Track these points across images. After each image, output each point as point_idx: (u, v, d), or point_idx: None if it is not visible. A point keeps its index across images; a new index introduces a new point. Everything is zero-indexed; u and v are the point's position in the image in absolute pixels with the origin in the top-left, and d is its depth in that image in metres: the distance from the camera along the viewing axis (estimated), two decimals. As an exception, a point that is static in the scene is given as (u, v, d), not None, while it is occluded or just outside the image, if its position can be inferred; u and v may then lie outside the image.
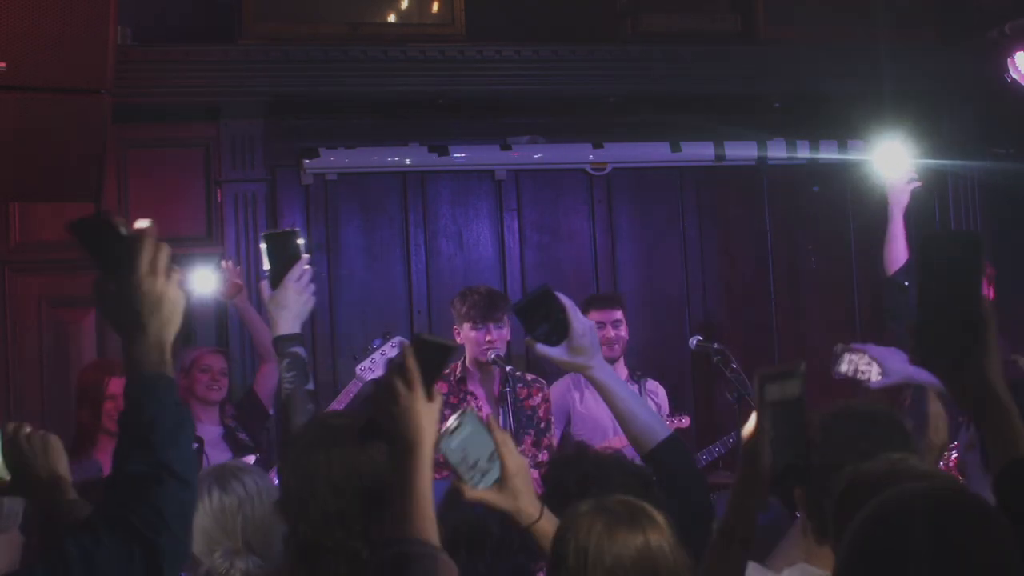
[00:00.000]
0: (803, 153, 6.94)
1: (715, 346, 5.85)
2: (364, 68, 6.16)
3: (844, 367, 3.57)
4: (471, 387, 5.31)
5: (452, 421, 2.30)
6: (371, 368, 5.31)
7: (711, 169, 6.94)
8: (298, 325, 3.08)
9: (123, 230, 1.92)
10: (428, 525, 2.01)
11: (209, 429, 5.30)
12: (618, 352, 5.68)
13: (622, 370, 5.73)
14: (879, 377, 3.62)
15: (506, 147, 6.63)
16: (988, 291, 4.99)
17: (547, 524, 2.34)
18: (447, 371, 5.37)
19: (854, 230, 7.10)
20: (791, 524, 2.55)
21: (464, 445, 2.31)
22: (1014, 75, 6.01)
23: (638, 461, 3.02)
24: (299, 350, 3.07)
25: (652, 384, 5.87)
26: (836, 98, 6.75)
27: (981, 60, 6.30)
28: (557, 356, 2.67)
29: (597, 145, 6.75)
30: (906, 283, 5.12)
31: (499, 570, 2.61)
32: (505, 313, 5.27)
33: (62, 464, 2.56)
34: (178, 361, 5.16)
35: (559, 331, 2.64)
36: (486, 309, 5.19)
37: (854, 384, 3.51)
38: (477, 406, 5.29)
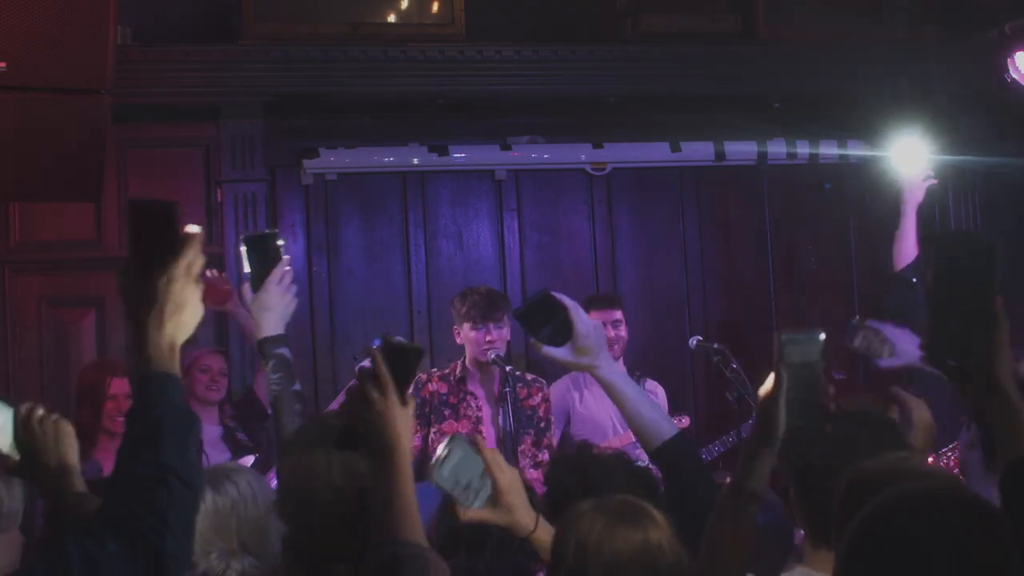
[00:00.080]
0: (803, 153, 6.94)
1: (715, 346, 5.85)
2: (364, 68, 6.16)
3: (858, 341, 3.59)
4: (471, 387, 5.31)
5: (441, 450, 2.33)
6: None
7: (711, 169, 6.94)
8: (282, 326, 3.08)
9: (179, 225, 1.92)
10: (414, 526, 2.03)
11: (208, 429, 5.29)
12: (618, 352, 5.68)
13: (622, 370, 5.72)
14: (890, 357, 3.63)
15: (506, 147, 6.63)
16: None
17: (543, 534, 2.36)
18: (447, 371, 5.37)
19: (854, 230, 7.10)
20: (792, 524, 2.56)
21: (455, 471, 2.34)
22: (1014, 75, 6.01)
23: (639, 461, 3.03)
24: (284, 351, 3.07)
25: (652, 384, 5.87)
26: (836, 98, 6.74)
27: (981, 60, 6.30)
28: (563, 357, 2.67)
29: (597, 145, 6.75)
30: (914, 279, 5.12)
31: (499, 570, 2.62)
32: (505, 313, 5.27)
33: (72, 453, 2.53)
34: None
35: (563, 332, 2.65)
36: (486, 309, 5.20)
37: (864, 359, 3.51)
38: (477, 406, 5.29)
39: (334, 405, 5.22)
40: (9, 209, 6.04)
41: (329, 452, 2.29)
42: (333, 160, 6.43)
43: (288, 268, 3.07)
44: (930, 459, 3.10)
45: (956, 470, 4.19)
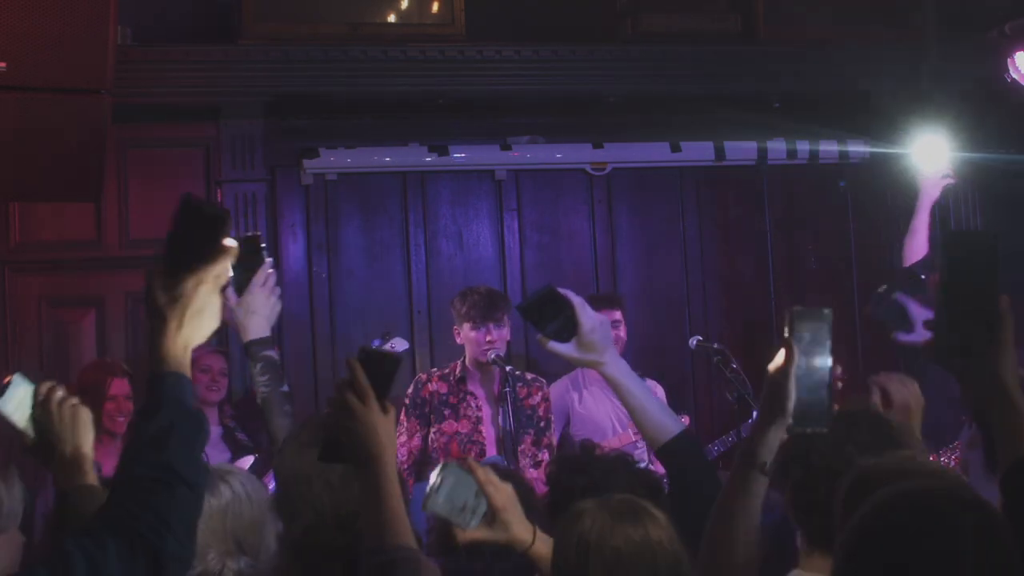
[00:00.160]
0: (803, 153, 6.94)
1: (715, 346, 5.85)
2: (364, 68, 6.16)
3: (879, 311, 3.60)
4: (471, 387, 5.31)
5: (434, 479, 2.34)
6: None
7: (711, 169, 6.94)
8: (268, 328, 3.09)
9: (225, 237, 1.93)
10: (404, 530, 2.04)
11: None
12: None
13: (622, 370, 5.72)
14: (908, 332, 3.65)
15: (506, 147, 6.63)
16: None
17: (542, 546, 2.37)
18: (447, 371, 5.37)
19: (854, 230, 7.11)
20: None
21: (450, 496, 2.35)
22: (1014, 75, 6.01)
23: (639, 462, 3.03)
24: (272, 353, 3.08)
25: (651, 383, 5.87)
26: (836, 98, 6.75)
27: (982, 59, 6.30)
28: (568, 353, 2.68)
29: (597, 145, 6.75)
30: (923, 276, 5.12)
31: (497, 570, 2.62)
32: (505, 313, 5.27)
33: (88, 441, 2.49)
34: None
35: (568, 328, 2.65)
36: (486, 309, 5.20)
37: (882, 330, 3.50)
38: (477, 406, 5.30)
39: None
40: (9, 209, 6.04)
41: None
42: (333, 160, 6.43)
43: (271, 271, 3.08)
44: (930, 457, 3.09)
45: (957, 470, 4.19)
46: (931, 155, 5.58)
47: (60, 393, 2.48)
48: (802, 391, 2.01)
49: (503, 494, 2.38)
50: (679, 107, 6.75)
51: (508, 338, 5.36)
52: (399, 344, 5.85)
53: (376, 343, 5.77)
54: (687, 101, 6.69)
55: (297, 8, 6.17)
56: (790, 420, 2.03)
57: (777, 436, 2.04)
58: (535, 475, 5.03)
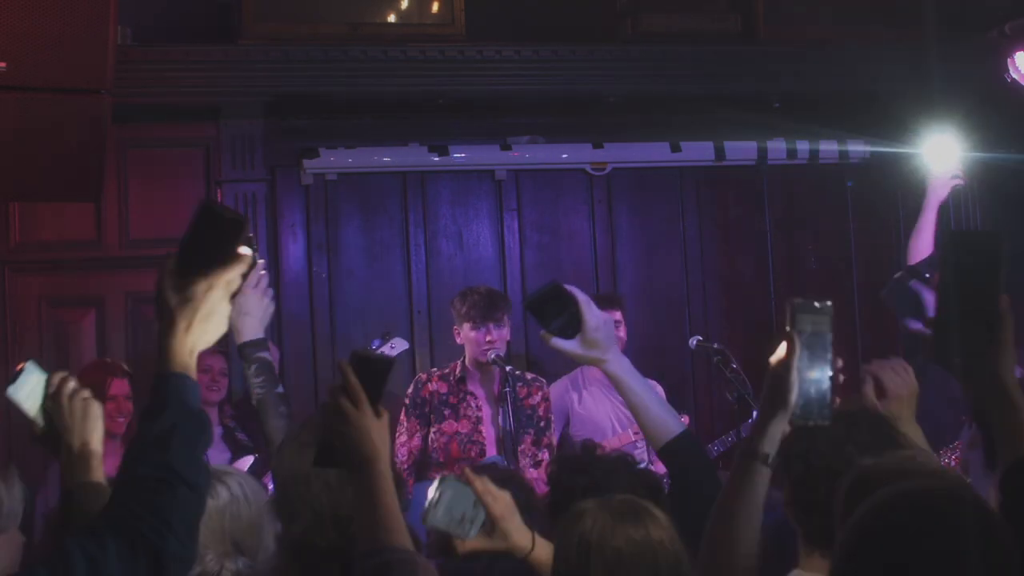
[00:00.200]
0: (803, 153, 6.95)
1: (715, 346, 5.85)
2: (364, 68, 6.16)
3: (893, 297, 3.61)
4: (471, 387, 5.31)
5: (432, 494, 2.34)
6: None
7: (711, 169, 6.94)
8: (262, 330, 3.08)
9: (241, 243, 1.93)
10: (400, 532, 2.04)
11: (209, 429, 5.29)
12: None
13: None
14: (918, 319, 3.65)
15: (506, 147, 6.63)
16: None
17: (541, 552, 2.38)
18: (447, 371, 5.37)
19: (854, 230, 7.11)
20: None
21: (448, 509, 2.36)
22: (1014, 75, 6.01)
23: (640, 462, 3.03)
24: (266, 354, 3.08)
25: (651, 383, 5.86)
26: (836, 98, 6.75)
27: (981, 60, 6.30)
28: (572, 349, 2.68)
29: (597, 145, 6.75)
30: (927, 275, 5.12)
31: (498, 570, 2.62)
32: (505, 313, 5.27)
33: (97, 436, 2.44)
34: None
35: (573, 325, 2.66)
36: (486, 309, 5.20)
37: (884, 327, 3.49)
38: (477, 406, 5.29)
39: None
40: (9, 209, 6.04)
41: None
42: (333, 160, 6.43)
43: (263, 272, 3.07)
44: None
45: (957, 470, 4.19)
46: (941, 155, 5.58)
47: (72, 385, 2.44)
48: (804, 384, 2.01)
49: (501, 503, 2.40)
50: (679, 107, 6.75)
51: (508, 338, 5.37)
52: (399, 344, 5.85)
53: (376, 343, 5.78)
54: (687, 101, 6.69)
55: (297, 8, 6.17)
56: (792, 413, 2.03)
57: (779, 429, 2.04)
58: (535, 475, 5.03)
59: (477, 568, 2.63)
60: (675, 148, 6.77)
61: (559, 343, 2.67)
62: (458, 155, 6.57)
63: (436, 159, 6.54)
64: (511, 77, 6.37)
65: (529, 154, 6.65)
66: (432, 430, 5.26)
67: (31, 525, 3.60)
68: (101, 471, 2.43)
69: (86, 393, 2.44)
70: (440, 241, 6.62)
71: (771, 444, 2.04)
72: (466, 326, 5.23)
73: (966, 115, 5.97)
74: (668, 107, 6.76)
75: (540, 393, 5.34)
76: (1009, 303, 1.84)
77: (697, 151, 6.83)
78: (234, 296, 1.96)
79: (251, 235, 3.21)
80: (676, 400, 6.17)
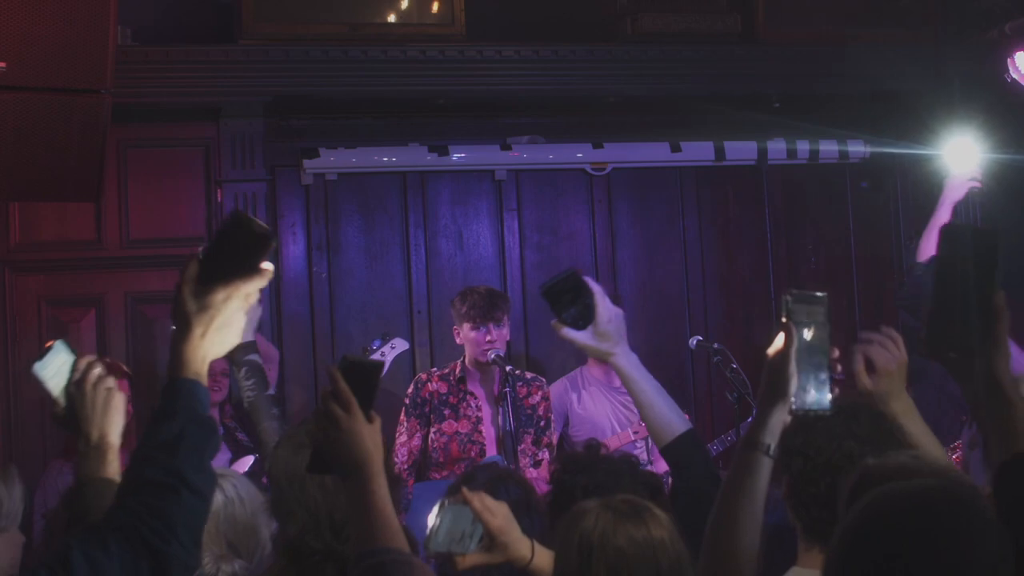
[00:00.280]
0: (803, 153, 6.95)
1: (715, 346, 5.85)
2: (364, 68, 6.16)
3: (908, 299, 3.64)
4: (471, 387, 5.31)
5: (432, 522, 2.35)
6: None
7: (711, 169, 6.94)
8: (251, 333, 3.09)
9: (265, 258, 1.93)
10: (395, 534, 2.04)
11: (209, 429, 5.29)
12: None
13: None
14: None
15: (506, 147, 6.63)
16: None
17: (541, 560, 2.39)
18: (447, 371, 5.37)
19: (854, 230, 7.11)
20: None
21: (448, 531, 2.37)
22: (1014, 75, 6.01)
23: (640, 462, 3.02)
24: (255, 357, 3.08)
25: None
26: (836, 98, 6.75)
27: (981, 60, 6.30)
28: (582, 340, 2.69)
29: (597, 145, 6.75)
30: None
31: (497, 570, 2.62)
32: (505, 313, 5.27)
33: (116, 429, 2.38)
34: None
35: (586, 316, 2.67)
36: (486, 309, 5.20)
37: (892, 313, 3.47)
38: (477, 406, 5.30)
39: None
40: (9, 209, 6.04)
41: None
42: (333, 160, 6.43)
43: None
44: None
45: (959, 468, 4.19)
46: (961, 156, 5.58)
47: (98, 371, 2.38)
48: (802, 374, 2.02)
49: (499, 518, 2.42)
50: (679, 107, 6.74)
51: (508, 338, 5.37)
52: (400, 344, 5.85)
53: (376, 343, 5.78)
54: (687, 101, 6.69)
55: (297, 8, 6.16)
56: (792, 403, 2.03)
57: (780, 419, 2.05)
58: (535, 475, 5.03)
59: (477, 568, 2.63)
60: (675, 148, 6.77)
61: (570, 333, 2.68)
62: (458, 155, 6.57)
63: (436, 159, 6.53)
64: (511, 77, 6.37)
65: (529, 154, 6.64)
66: (432, 430, 5.26)
67: (30, 525, 3.59)
68: (116, 466, 2.37)
69: (111, 382, 2.38)
70: (440, 241, 6.62)
71: (772, 435, 2.04)
72: (466, 326, 5.23)
73: (969, 115, 5.97)
74: (668, 107, 6.76)
75: (540, 393, 5.34)
76: (1004, 299, 1.83)
77: (697, 151, 6.83)
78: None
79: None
80: (676, 400, 6.16)
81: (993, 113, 6.28)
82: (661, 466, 5.40)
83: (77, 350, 2.44)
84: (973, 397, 1.83)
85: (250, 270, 1.93)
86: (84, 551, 1.75)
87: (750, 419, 5.53)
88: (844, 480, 2.07)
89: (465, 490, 2.47)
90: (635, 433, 5.54)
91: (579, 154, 6.74)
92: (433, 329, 6.47)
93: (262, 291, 3.04)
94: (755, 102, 6.75)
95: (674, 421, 2.68)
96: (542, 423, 5.30)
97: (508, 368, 5.17)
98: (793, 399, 2.03)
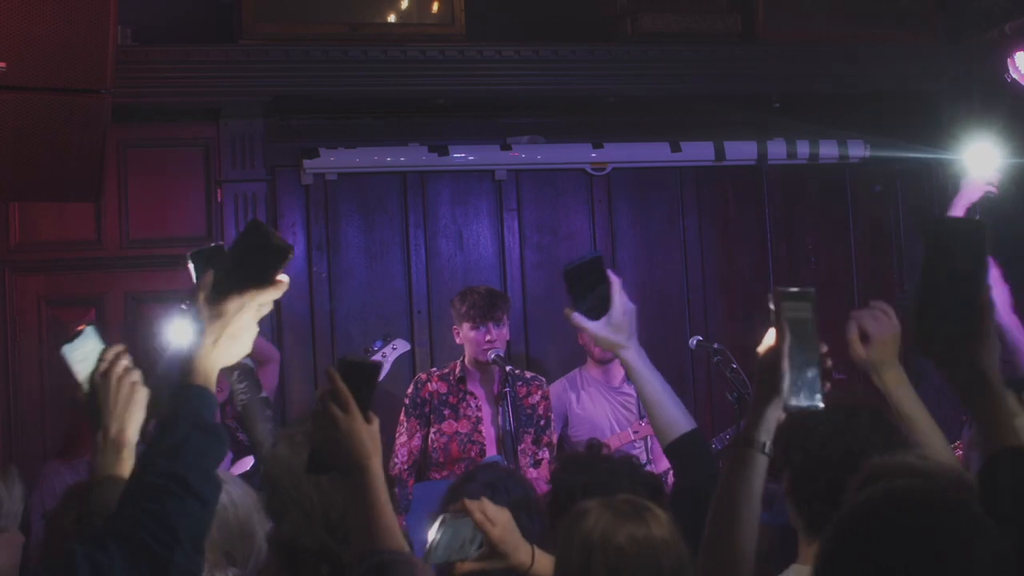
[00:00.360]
0: (803, 153, 6.95)
1: (715, 346, 5.85)
2: (364, 68, 6.16)
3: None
4: (471, 387, 5.31)
5: (432, 536, 2.36)
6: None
7: (711, 169, 6.94)
8: None
9: (282, 271, 1.94)
10: (395, 534, 2.04)
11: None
12: (612, 354, 5.67)
13: (619, 370, 5.73)
14: None
15: (506, 147, 6.63)
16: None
17: (541, 565, 2.39)
18: (446, 370, 5.37)
19: (854, 230, 7.11)
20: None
21: (448, 544, 2.38)
22: (1014, 75, 6.01)
23: (639, 461, 3.02)
24: (247, 361, 3.07)
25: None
26: (836, 98, 6.75)
27: (981, 60, 6.31)
28: (594, 329, 2.70)
29: (597, 145, 6.75)
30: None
31: (496, 570, 2.62)
32: (505, 313, 5.27)
33: (134, 426, 2.29)
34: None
35: (601, 306, 2.68)
36: (486, 309, 5.20)
37: None
38: (476, 405, 5.29)
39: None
40: (9, 209, 6.04)
41: None
42: (333, 160, 6.43)
43: None
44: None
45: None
46: (981, 160, 5.58)
47: (124, 364, 2.30)
48: (793, 370, 2.02)
49: (499, 526, 2.42)
50: (679, 107, 6.75)
51: (508, 337, 5.37)
52: (401, 345, 5.85)
53: (378, 344, 5.78)
54: (687, 101, 6.69)
55: (297, 8, 6.16)
56: (785, 399, 2.03)
57: (774, 416, 2.05)
58: (535, 475, 5.03)
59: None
60: (675, 148, 6.77)
61: (581, 320, 2.69)
62: (458, 155, 6.57)
63: (436, 159, 6.54)
64: (511, 77, 6.37)
65: (529, 154, 6.65)
66: (432, 430, 5.26)
67: (28, 525, 3.58)
68: (131, 464, 2.28)
69: (136, 376, 2.30)
70: (440, 241, 6.62)
71: (767, 432, 2.04)
72: (466, 326, 5.23)
73: (978, 117, 5.98)
74: (668, 107, 6.76)
75: (540, 392, 5.34)
76: (990, 293, 1.83)
77: (697, 151, 6.83)
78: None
79: (221, 244, 3.22)
80: (677, 400, 6.17)
81: (1010, 117, 6.29)
82: (660, 466, 5.40)
83: (107, 340, 2.40)
84: (958, 390, 1.83)
85: (265, 281, 1.93)
86: (87, 555, 1.75)
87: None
88: (844, 476, 2.08)
89: (465, 501, 2.47)
90: (635, 433, 5.53)
91: (579, 154, 6.74)
92: (433, 329, 6.47)
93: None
94: (755, 102, 6.75)
95: (679, 419, 2.69)
96: (542, 423, 5.30)
97: (508, 368, 5.17)
98: (786, 396, 2.03)
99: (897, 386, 2.60)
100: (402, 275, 6.55)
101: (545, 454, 5.24)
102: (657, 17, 6.42)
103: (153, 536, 1.76)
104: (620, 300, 2.69)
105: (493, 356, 5.15)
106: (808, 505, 2.33)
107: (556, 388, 5.71)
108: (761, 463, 2.04)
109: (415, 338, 6.39)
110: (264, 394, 3.07)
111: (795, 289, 2.05)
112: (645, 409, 2.75)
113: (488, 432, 5.27)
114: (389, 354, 5.77)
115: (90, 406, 2.33)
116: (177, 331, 3.00)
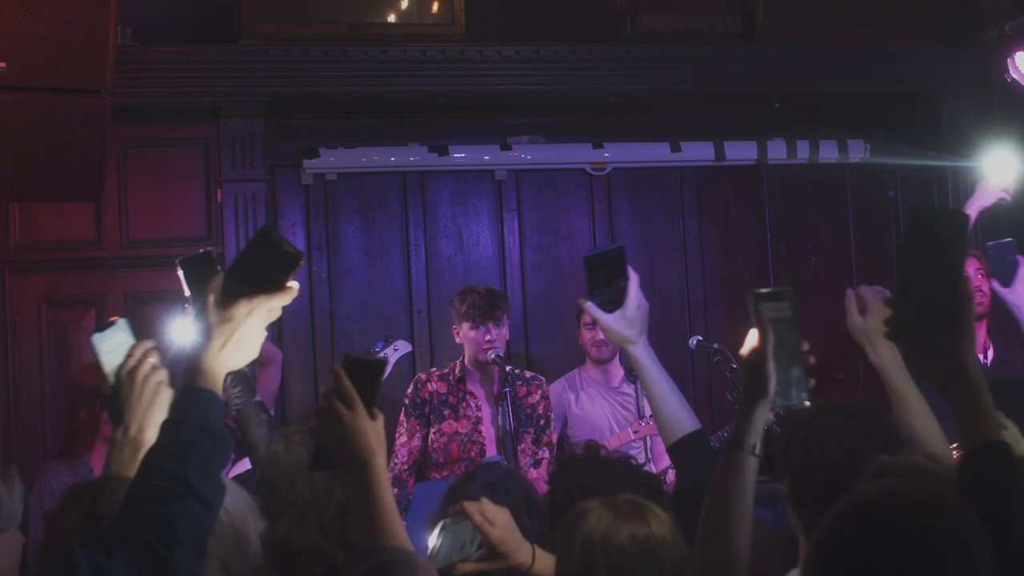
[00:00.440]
0: (803, 153, 6.95)
1: (715, 346, 5.85)
2: (364, 68, 6.16)
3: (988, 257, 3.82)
4: (471, 387, 5.31)
5: (434, 542, 2.37)
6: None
7: (711, 169, 6.94)
8: None
9: (292, 278, 1.94)
10: (398, 532, 2.04)
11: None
12: (612, 353, 5.67)
13: (617, 370, 5.74)
14: (1005, 284, 3.92)
15: (506, 147, 6.63)
16: (983, 283, 5.03)
17: (542, 566, 2.39)
18: (446, 370, 5.37)
19: (854, 230, 7.11)
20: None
21: (449, 546, 2.39)
22: (1014, 75, 6.01)
23: (637, 460, 3.02)
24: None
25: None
26: (836, 98, 6.75)
27: (981, 60, 6.31)
28: (607, 321, 2.71)
29: (597, 145, 6.75)
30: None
31: (497, 570, 2.62)
32: (505, 313, 5.27)
33: (153, 427, 2.20)
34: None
35: (616, 299, 2.69)
36: (485, 309, 5.20)
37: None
38: (476, 405, 5.29)
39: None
40: (9, 209, 6.03)
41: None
42: (333, 160, 6.43)
43: None
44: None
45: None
46: (1000, 167, 5.59)
47: (151, 362, 2.25)
48: (778, 370, 2.03)
49: (499, 528, 2.43)
50: (679, 107, 6.75)
51: (508, 337, 5.37)
52: (403, 346, 5.85)
53: (380, 345, 5.78)
54: (687, 101, 6.69)
55: (297, 8, 6.16)
56: (772, 400, 2.04)
57: (763, 417, 2.05)
58: (535, 474, 5.03)
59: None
60: (675, 148, 6.78)
61: (595, 311, 2.70)
62: (458, 155, 6.57)
63: (436, 159, 6.54)
64: (511, 77, 6.37)
65: (529, 154, 6.65)
66: (432, 430, 5.25)
67: (25, 523, 3.58)
68: (138, 459, 2.20)
69: (161, 376, 2.25)
70: (440, 241, 6.62)
71: (756, 434, 2.04)
72: (465, 325, 5.23)
73: (985, 119, 5.98)
74: (668, 107, 6.76)
75: (540, 392, 5.34)
76: (970, 284, 1.83)
77: (697, 151, 6.83)
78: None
79: (211, 250, 3.22)
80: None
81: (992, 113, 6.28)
82: (659, 465, 5.40)
83: (137, 336, 2.36)
84: (937, 382, 1.82)
85: (275, 287, 1.94)
86: (88, 555, 1.75)
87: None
88: (844, 476, 2.08)
89: (464, 504, 2.47)
90: (635, 433, 5.53)
91: (579, 154, 6.75)
92: (433, 329, 6.47)
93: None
94: (755, 102, 6.75)
95: (684, 419, 2.69)
96: (542, 422, 5.30)
97: (508, 368, 5.17)
98: (773, 396, 2.03)
99: (891, 362, 2.62)
100: (402, 275, 6.56)
101: (545, 454, 5.24)
102: (657, 17, 6.42)
103: (158, 539, 1.76)
104: (636, 295, 2.70)
105: (493, 356, 5.15)
106: (808, 508, 2.33)
107: (555, 389, 5.71)
108: (752, 465, 2.04)
109: (415, 338, 6.39)
110: (259, 398, 3.06)
111: (770, 290, 2.06)
112: (651, 407, 2.76)
113: (488, 432, 5.26)
114: (391, 355, 5.77)
115: (113, 400, 2.29)
116: (179, 332, 3.00)
